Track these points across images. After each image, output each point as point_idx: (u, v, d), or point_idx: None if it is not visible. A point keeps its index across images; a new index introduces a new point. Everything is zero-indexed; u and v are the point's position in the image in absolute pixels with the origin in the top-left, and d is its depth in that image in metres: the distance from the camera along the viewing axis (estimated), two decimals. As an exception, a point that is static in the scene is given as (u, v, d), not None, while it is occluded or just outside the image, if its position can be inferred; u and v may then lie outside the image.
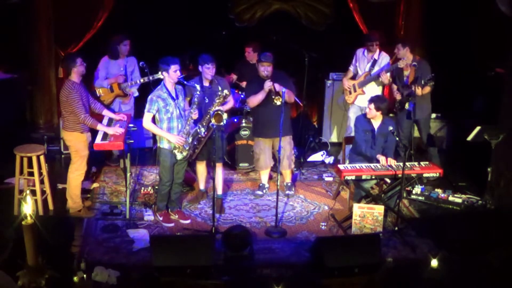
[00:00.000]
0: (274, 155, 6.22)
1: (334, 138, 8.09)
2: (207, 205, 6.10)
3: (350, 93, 7.08)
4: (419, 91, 6.36)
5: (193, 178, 6.54)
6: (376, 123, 5.83)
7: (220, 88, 5.49)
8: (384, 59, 6.91)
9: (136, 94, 6.95)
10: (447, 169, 6.46)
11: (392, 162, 5.62)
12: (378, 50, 6.92)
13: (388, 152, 5.82)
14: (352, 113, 7.11)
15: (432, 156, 6.81)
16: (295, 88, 6.19)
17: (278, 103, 5.65)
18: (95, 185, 6.48)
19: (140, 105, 6.34)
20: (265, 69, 5.85)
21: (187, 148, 5.45)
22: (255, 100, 5.97)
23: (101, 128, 5.56)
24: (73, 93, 5.38)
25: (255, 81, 6.03)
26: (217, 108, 5.42)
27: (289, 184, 6.44)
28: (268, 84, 5.77)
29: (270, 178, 6.59)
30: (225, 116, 5.39)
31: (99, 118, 5.83)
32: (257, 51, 7.40)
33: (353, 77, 7.12)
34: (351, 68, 7.15)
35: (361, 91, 6.95)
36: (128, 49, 6.78)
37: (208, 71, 5.63)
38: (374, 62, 6.90)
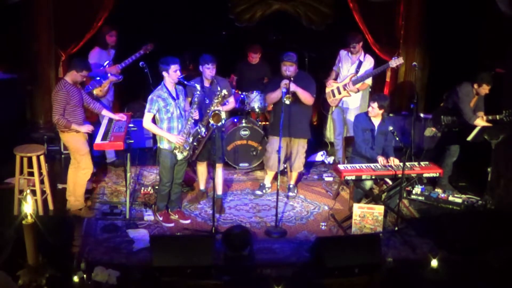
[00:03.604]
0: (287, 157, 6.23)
1: (334, 138, 8.07)
2: (207, 205, 6.10)
3: (334, 95, 6.98)
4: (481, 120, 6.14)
5: (193, 178, 6.55)
6: (376, 121, 5.84)
7: (219, 88, 5.49)
8: (369, 61, 6.81)
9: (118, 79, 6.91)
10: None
11: (392, 161, 5.62)
12: (362, 52, 6.83)
13: (388, 150, 5.82)
14: (336, 114, 7.09)
15: (450, 155, 6.54)
16: (315, 90, 6.07)
17: (287, 102, 5.60)
18: (94, 185, 6.47)
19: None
20: (287, 68, 5.82)
21: (187, 148, 5.45)
22: (271, 97, 6.00)
23: (76, 127, 5.49)
24: (60, 92, 5.40)
25: (276, 78, 6.01)
26: (215, 108, 5.42)
27: (291, 186, 6.43)
28: (283, 82, 5.75)
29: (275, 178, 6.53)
30: (223, 116, 5.39)
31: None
32: (261, 53, 7.40)
33: (335, 78, 7.04)
34: (335, 68, 7.07)
35: (347, 93, 6.87)
36: (115, 40, 6.90)
37: (208, 71, 5.61)
38: (360, 63, 6.79)
